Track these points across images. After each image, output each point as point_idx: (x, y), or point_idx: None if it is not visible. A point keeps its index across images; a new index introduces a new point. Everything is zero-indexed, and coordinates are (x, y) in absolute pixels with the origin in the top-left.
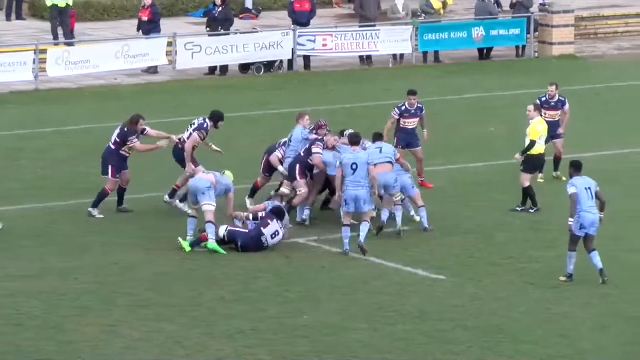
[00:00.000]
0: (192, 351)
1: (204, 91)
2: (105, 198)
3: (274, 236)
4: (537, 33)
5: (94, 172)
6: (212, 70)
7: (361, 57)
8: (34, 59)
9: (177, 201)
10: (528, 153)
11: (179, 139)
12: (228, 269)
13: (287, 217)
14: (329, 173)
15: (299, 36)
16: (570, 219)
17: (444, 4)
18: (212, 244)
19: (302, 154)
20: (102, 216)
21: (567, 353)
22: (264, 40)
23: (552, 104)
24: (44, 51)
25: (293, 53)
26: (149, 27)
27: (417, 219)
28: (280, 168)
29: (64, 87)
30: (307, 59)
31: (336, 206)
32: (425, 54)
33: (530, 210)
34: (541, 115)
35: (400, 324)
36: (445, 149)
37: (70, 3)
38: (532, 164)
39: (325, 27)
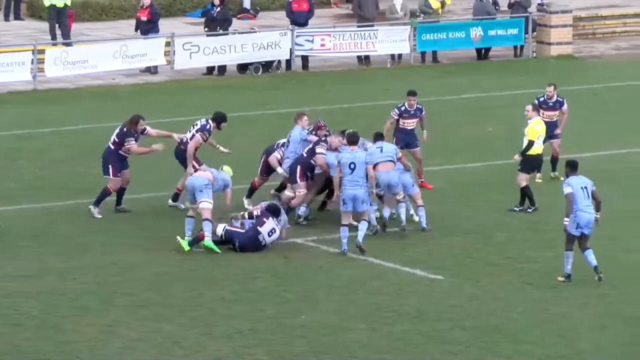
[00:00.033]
0: (190, 351)
1: (202, 91)
2: (107, 197)
3: (270, 234)
4: (535, 33)
5: (92, 172)
6: (210, 70)
7: (359, 57)
8: (32, 59)
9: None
10: (526, 153)
11: (181, 140)
12: (227, 269)
13: (285, 217)
14: (332, 174)
15: (297, 36)
16: (566, 219)
17: (442, 4)
18: (208, 241)
19: (305, 155)
20: (100, 216)
21: (565, 353)
22: (262, 40)
23: (550, 104)
24: (42, 51)
25: (291, 53)
26: (148, 27)
27: (416, 218)
28: (279, 169)
29: (62, 87)
30: (305, 59)
31: (334, 206)
32: (423, 54)
33: (529, 210)
34: (539, 115)
35: (399, 324)
36: (443, 149)
37: (69, 3)
38: (530, 163)
39: (323, 27)
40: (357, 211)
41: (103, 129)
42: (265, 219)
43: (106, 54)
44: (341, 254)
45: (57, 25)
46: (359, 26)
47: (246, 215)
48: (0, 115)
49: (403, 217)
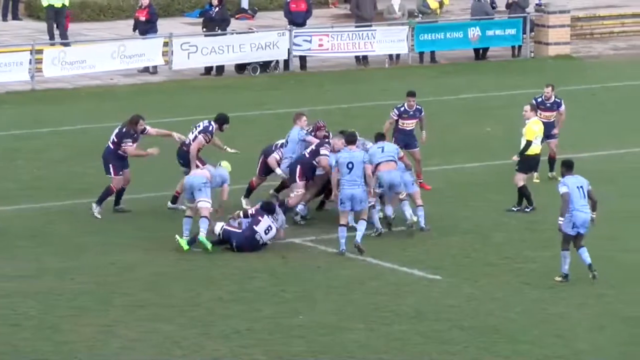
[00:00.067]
0: (188, 351)
1: (200, 91)
2: (109, 196)
3: (267, 232)
4: (533, 33)
5: (91, 172)
6: (208, 70)
7: (357, 57)
8: (30, 59)
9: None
10: (524, 153)
11: (183, 141)
12: (225, 269)
13: (283, 216)
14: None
15: (295, 36)
16: (561, 218)
17: (441, 4)
18: (202, 236)
19: (307, 155)
20: (100, 216)
21: (563, 353)
22: (260, 41)
23: (548, 105)
24: (40, 51)
25: (289, 53)
26: (146, 27)
27: (415, 218)
28: (278, 170)
29: (60, 87)
30: (303, 59)
31: (333, 206)
32: (421, 54)
33: (526, 210)
34: (537, 116)
35: (397, 324)
36: (441, 149)
37: (67, 3)
38: (528, 164)
39: (321, 27)
40: (355, 210)
41: (101, 129)
42: (260, 218)
43: (104, 54)
44: (339, 254)
45: (55, 26)
46: (356, 26)
47: (241, 214)
48: None
49: (408, 214)
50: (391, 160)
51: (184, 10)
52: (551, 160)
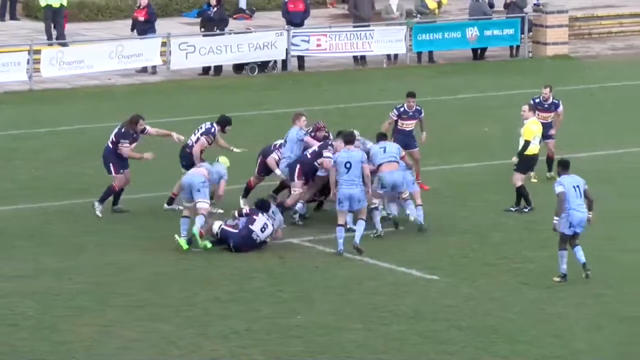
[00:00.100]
0: (186, 351)
1: (197, 91)
2: (112, 194)
3: (263, 229)
4: (531, 33)
5: (88, 172)
6: (206, 70)
7: (355, 57)
8: (28, 59)
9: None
10: (523, 153)
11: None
12: (223, 269)
13: (280, 216)
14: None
15: (293, 36)
16: (556, 218)
17: (439, 4)
18: (196, 230)
19: (309, 156)
20: (101, 215)
21: (561, 353)
22: (257, 41)
23: (546, 106)
24: (38, 51)
25: (287, 53)
26: (145, 27)
27: (411, 218)
28: (277, 171)
29: (58, 87)
30: (301, 59)
31: (331, 206)
32: (419, 54)
33: (525, 210)
34: (535, 116)
35: (395, 324)
36: (439, 149)
37: (65, 3)
38: (526, 164)
39: (319, 27)
40: (354, 210)
41: (99, 129)
42: (255, 216)
43: (102, 54)
44: (337, 254)
45: (52, 26)
46: (354, 26)
47: (236, 213)
48: None
49: (413, 213)
50: (393, 161)
51: (181, 10)
52: (549, 161)
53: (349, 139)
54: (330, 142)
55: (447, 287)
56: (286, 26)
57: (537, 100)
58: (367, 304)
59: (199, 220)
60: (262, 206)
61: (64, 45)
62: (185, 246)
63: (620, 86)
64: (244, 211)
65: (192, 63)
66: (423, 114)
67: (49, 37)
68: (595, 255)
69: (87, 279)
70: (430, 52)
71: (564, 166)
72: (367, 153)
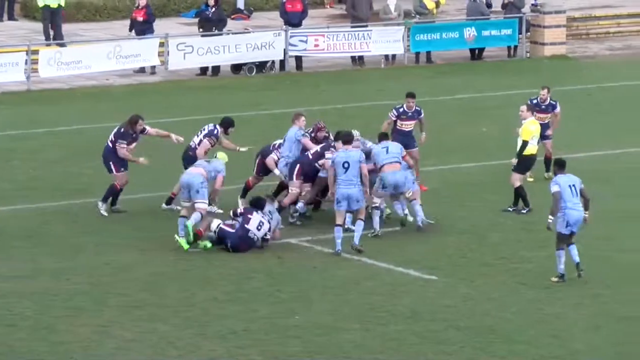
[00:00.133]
0: (184, 351)
1: (195, 92)
2: (114, 193)
3: (259, 227)
4: (528, 33)
5: (86, 172)
6: (204, 70)
7: (353, 58)
8: (26, 60)
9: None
10: (522, 153)
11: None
12: (221, 269)
13: (278, 216)
14: None
15: (291, 36)
16: (550, 217)
17: (437, 4)
18: (190, 223)
19: (311, 156)
20: (106, 214)
21: (559, 353)
22: (255, 41)
23: (543, 107)
24: (36, 52)
25: (285, 53)
26: (143, 28)
27: (410, 218)
28: (276, 171)
29: (56, 87)
30: (298, 59)
31: (329, 206)
32: (417, 54)
33: (522, 211)
34: (533, 116)
35: (392, 324)
36: (437, 150)
37: (62, 3)
38: (524, 164)
39: (317, 28)
40: (352, 210)
41: (97, 130)
42: (249, 215)
43: (100, 55)
44: (335, 254)
45: (50, 26)
46: (352, 26)
47: (231, 213)
48: None
49: (420, 214)
50: (396, 162)
51: (179, 10)
52: (547, 161)
53: (347, 139)
54: (333, 144)
55: (445, 287)
56: (284, 26)
57: (535, 102)
58: (364, 304)
59: (195, 216)
60: (256, 204)
61: (62, 45)
62: (185, 246)
63: (618, 86)
64: (239, 211)
65: (190, 63)
66: (423, 115)
67: (47, 38)
68: (593, 256)
69: (85, 279)
70: (428, 53)
71: (560, 166)
72: (368, 153)
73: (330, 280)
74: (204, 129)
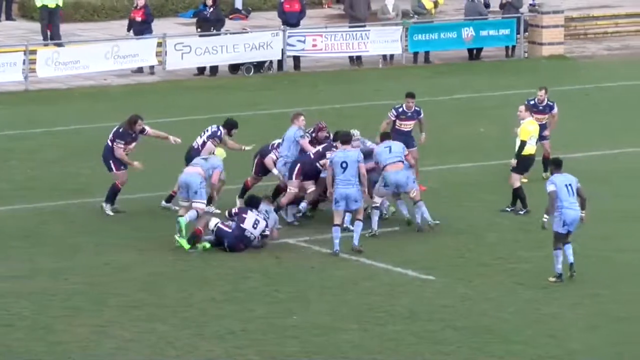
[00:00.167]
0: (182, 352)
1: (193, 92)
2: (117, 193)
3: (255, 225)
4: (526, 33)
5: (84, 172)
6: (202, 70)
7: (351, 58)
8: (24, 60)
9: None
10: (521, 154)
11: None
12: (218, 269)
13: (275, 216)
14: None
15: (289, 36)
16: (545, 216)
17: (435, 4)
18: (183, 220)
19: (312, 156)
20: (112, 213)
21: (557, 353)
22: (253, 41)
23: (540, 108)
24: (34, 52)
25: (283, 53)
26: (142, 28)
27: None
28: (275, 171)
29: (54, 87)
30: (296, 59)
31: (327, 206)
32: (415, 54)
33: (520, 212)
34: (532, 116)
35: (390, 325)
36: (435, 150)
37: (60, 3)
38: (523, 164)
39: (315, 28)
40: (351, 210)
41: (95, 130)
42: (244, 214)
43: (98, 55)
44: (333, 255)
45: (48, 26)
46: (350, 26)
47: (226, 214)
48: None
49: (427, 215)
50: (399, 161)
51: (177, 10)
52: (545, 161)
53: (345, 139)
54: (334, 145)
55: (442, 287)
56: (282, 26)
57: (532, 102)
58: (362, 304)
59: (190, 213)
60: (250, 203)
61: (60, 45)
62: (187, 246)
63: (616, 86)
64: (234, 211)
65: (187, 63)
66: (423, 115)
67: (45, 38)
68: (591, 256)
69: (83, 279)
70: (426, 53)
71: (557, 165)
72: (368, 153)
73: (328, 281)
74: (207, 130)
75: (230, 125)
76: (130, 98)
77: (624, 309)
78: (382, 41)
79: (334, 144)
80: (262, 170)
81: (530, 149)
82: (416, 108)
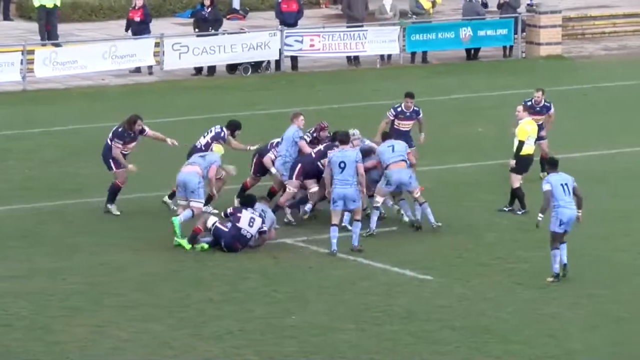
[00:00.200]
0: (180, 352)
1: (191, 92)
2: (118, 192)
3: (251, 224)
4: (524, 33)
5: (82, 172)
6: (199, 70)
7: (348, 58)
8: (22, 60)
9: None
10: (519, 154)
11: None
12: (216, 269)
13: (272, 215)
14: None
15: (287, 36)
16: (540, 215)
17: (433, 4)
18: (177, 220)
19: (314, 156)
20: (118, 213)
21: (555, 353)
22: (251, 41)
23: (538, 109)
24: (32, 52)
25: (280, 53)
26: (140, 28)
27: (406, 219)
28: (273, 170)
29: (52, 87)
30: (294, 59)
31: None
32: (412, 54)
33: (518, 212)
34: (530, 116)
35: (388, 324)
36: (433, 150)
37: (58, 4)
38: (522, 164)
39: (313, 28)
40: (349, 210)
41: (93, 130)
42: (239, 214)
43: (96, 55)
44: (331, 254)
45: (46, 26)
46: (348, 26)
47: (222, 215)
48: None
49: (431, 217)
50: (402, 160)
51: (175, 10)
52: (543, 161)
53: (344, 139)
54: (336, 144)
55: (440, 287)
56: (279, 26)
57: (529, 104)
58: (360, 304)
59: (186, 213)
60: (245, 202)
61: (58, 45)
62: (187, 246)
63: (613, 86)
64: (229, 211)
65: (185, 63)
66: (422, 115)
67: (43, 38)
68: (590, 255)
69: (81, 279)
70: (424, 53)
71: (552, 165)
72: (367, 151)
73: (325, 281)
74: (210, 131)
75: (233, 126)
76: (128, 98)
77: (622, 309)
78: (379, 41)
79: (336, 143)
80: (261, 170)
81: (528, 149)
82: (415, 108)
